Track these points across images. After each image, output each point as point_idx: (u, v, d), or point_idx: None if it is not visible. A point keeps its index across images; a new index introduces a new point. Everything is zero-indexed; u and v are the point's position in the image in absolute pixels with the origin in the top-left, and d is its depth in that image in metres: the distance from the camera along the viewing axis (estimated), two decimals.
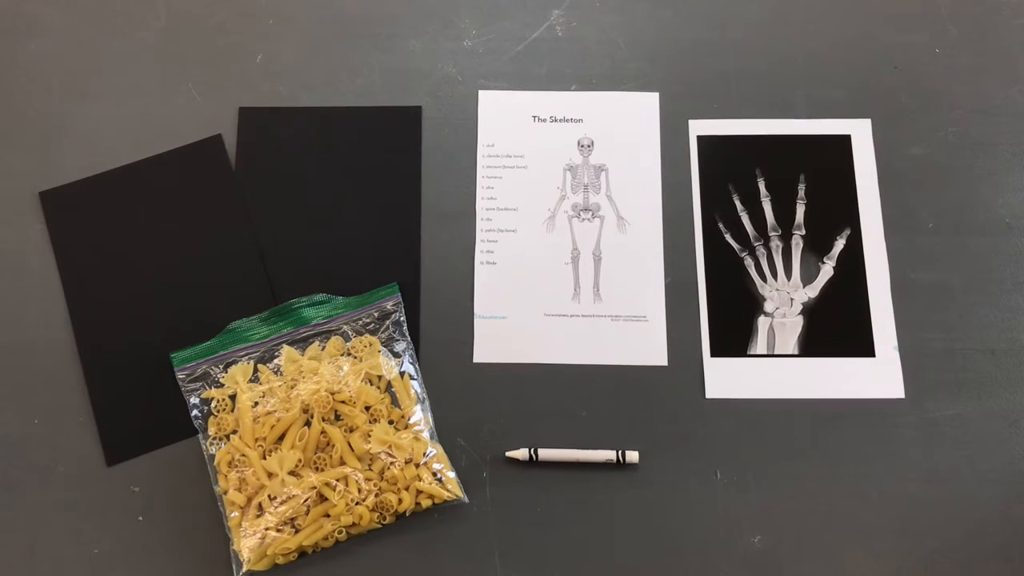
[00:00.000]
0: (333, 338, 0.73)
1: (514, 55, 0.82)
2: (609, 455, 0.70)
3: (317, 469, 0.68)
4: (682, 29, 0.82)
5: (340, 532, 0.67)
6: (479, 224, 0.77)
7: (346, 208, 0.77)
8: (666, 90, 0.80)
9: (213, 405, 0.71)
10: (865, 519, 0.69)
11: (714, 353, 0.74)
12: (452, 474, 0.70)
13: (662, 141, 0.79)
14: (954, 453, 0.71)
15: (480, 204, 0.78)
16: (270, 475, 0.68)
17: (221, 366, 0.72)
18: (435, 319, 0.75)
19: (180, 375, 0.71)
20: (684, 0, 0.83)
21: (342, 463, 0.69)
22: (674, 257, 0.76)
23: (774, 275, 0.76)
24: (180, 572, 0.69)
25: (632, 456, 0.70)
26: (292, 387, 0.70)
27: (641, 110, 0.80)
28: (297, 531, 0.67)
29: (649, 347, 0.74)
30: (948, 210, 0.77)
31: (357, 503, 0.67)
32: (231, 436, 0.69)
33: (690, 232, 0.77)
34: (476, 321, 0.75)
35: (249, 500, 0.68)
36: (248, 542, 0.67)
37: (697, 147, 0.79)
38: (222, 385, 0.71)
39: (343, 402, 0.70)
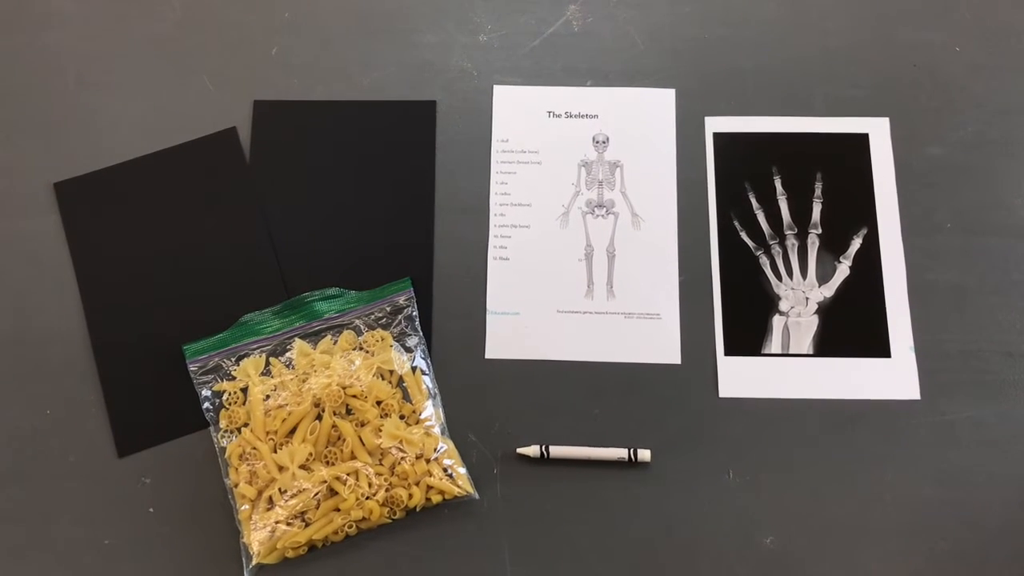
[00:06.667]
0: (345, 332, 0.72)
1: (529, 50, 0.81)
2: (621, 453, 0.70)
3: (328, 463, 0.68)
4: (699, 25, 0.82)
5: (350, 526, 0.67)
6: (492, 219, 0.77)
7: (359, 202, 0.77)
8: (682, 86, 0.80)
9: (225, 398, 0.70)
10: (879, 521, 0.69)
11: (728, 352, 0.73)
12: (463, 470, 0.69)
13: (678, 138, 0.79)
14: (969, 455, 0.70)
15: (494, 199, 0.77)
16: (281, 468, 0.68)
17: (233, 359, 0.72)
18: (447, 314, 0.74)
19: (192, 367, 0.71)
20: None
21: (353, 457, 0.68)
22: (689, 255, 0.76)
23: (789, 274, 0.75)
24: (190, 564, 0.69)
25: (644, 455, 0.70)
26: (304, 381, 0.70)
27: (657, 106, 0.79)
28: (307, 525, 0.67)
29: (662, 345, 0.73)
30: (966, 210, 0.76)
31: (367, 498, 0.67)
32: (242, 429, 0.69)
33: (705, 230, 0.76)
34: (488, 317, 0.74)
35: (259, 493, 0.68)
36: (258, 535, 0.67)
37: (713, 144, 0.78)
38: (234, 378, 0.71)
39: (354, 396, 0.70)
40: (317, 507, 0.67)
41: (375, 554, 0.69)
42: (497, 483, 0.70)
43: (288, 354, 0.72)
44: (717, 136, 0.78)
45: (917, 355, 0.73)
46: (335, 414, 0.69)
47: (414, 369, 0.72)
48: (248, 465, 0.68)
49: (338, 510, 0.67)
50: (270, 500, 0.68)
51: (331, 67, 0.81)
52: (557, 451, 0.70)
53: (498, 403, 0.72)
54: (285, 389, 0.70)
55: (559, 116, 0.80)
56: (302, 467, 0.68)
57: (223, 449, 0.70)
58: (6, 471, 0.71)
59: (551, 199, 0.78)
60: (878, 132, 0.78)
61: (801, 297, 0.74)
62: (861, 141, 0.78)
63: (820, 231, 0.76)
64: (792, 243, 0.76)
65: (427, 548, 0.69)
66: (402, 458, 0.68)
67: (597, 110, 0.80)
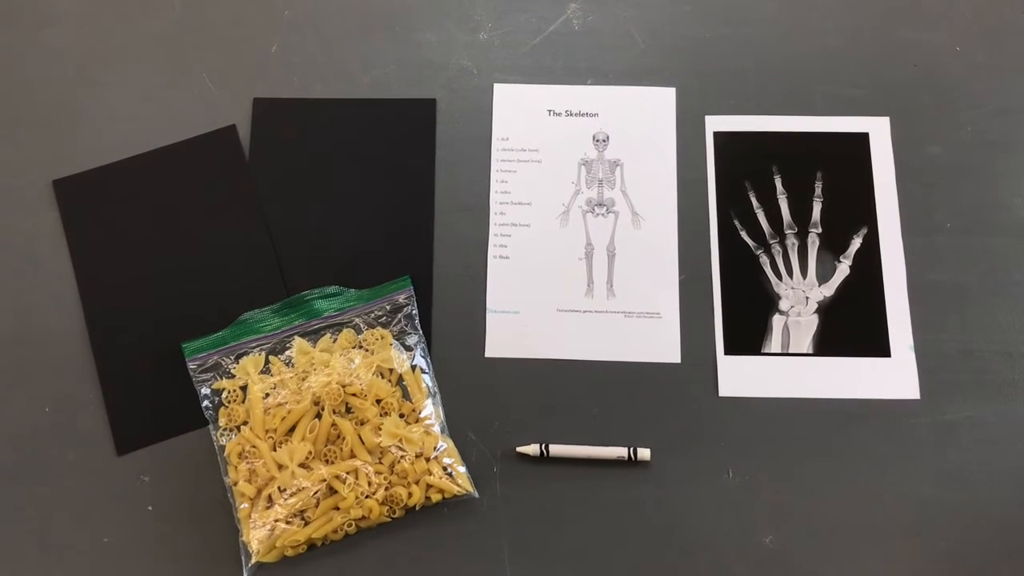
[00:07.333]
0: (345, 331, 0.72)
1: (530, 48, 0.81)
2: (621, 452, 0.70)
3: (327, 462, 0.68)
4: (700, 24, 0.82)
5: (349, 525, 0.67)
6: (492, 218, 0.77)
7: (359, 200, 0.77)
8: (683, 85, 0.80)
9: (224, 396, 0.70)
10: (878, 520, 0.69)
11: (728, 351, 0.73)
12: (462, 469, 0.69)
13: (678, 137, 0.79)
14: (969, 455, 0.70)
15: (494, 198, 0.77)
16: (280, 467, 0.68)
17: (232, 357, 0.71)
18: (447, 313, 0.74)
19: (191, 365, 0.71)
20: None
21: (352, 456, 0.68)
22: (689, 254, 0.76)
23: (789, 273, 0.75)
24: (189, 563, 0.69)
25: (644, 454, 0.70)
26: (303, 379, 0.70)
27: (657, 105, 0.79)
28: (306, 523, 0.67)
29: (662, 344, 0.73)
30: (966, 210, 0.76)
31: (367, 496, 0.67)
32: (241, 427, 0.69)
33: (705, 229, 0.76)
34: (488, 315, 0.74)
35: (259, 492, 0.68)
36: (257, 534, 0.67)
37: (713, 143, 0.78)
38: (233, 376, 0.71)
39: (354, 395, 0.69)
40: (316, 506, 0.67)
41: (374, 553, 0.69)
42: (497, 482, 0.70)
43: (288, 352, 0.72)
44: (717, 135, 0.78)
45: (917, 355, 0.73)
46: (335, 412, 0.69)
47: (414, 367, 0.72)
48: (247, 463, 0.68)
49: (337, 509, 0.67)
50: (269, 499, 0.67)
51: (331, 65, 0.81)
52: (557, 450, 0.70)
53: (498, 402, 0.72)
54: (284, 387, 0.70)
55: (559, 115, 0.79)
56: (301, 465, 0.68)
57: (222, 447, 0.69)
58: (5, 469, 0.71)
59: (551, 198, 0.77)
60: (878, 132, 0.78)
61: (801, 296, 0.74)
62: (861, 140, 0.78)
63: (820, 230, 0.76)
64: (792, 242, 0.76)
65: (427, 547, 0.69)
66: (402, 457, 0.68)
67: (597, 109, 0.79)
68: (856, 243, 0.75)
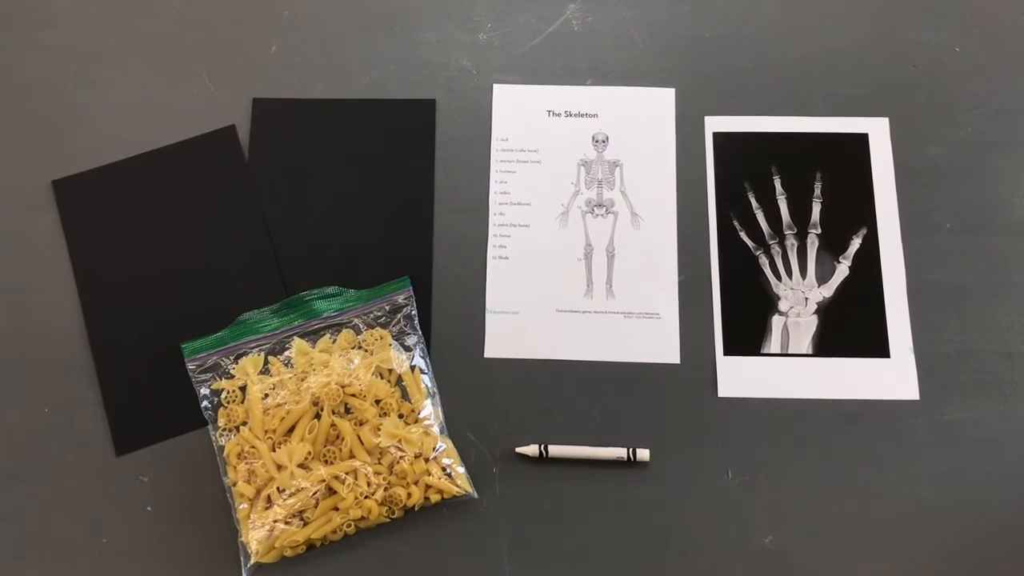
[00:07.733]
0: (344, 331, 0.72)
1: (529, 49, 0.81)
2: (620, 453, 0.70)
3: (326, 462, 0.68)
4: (699, 25, 0.82)
5: (349, 526, 0.67)
6: (492, 219, 0.77)
7: (359, 200, 0.77)
8: (682, 86, 0.80)
9: (223, 396, 0.70)
10: (878, 521, 0.69)
11: (727, 352, 0.73)
12: (461, 469, 0.69)
13: (677, 137, 0.79)
14: (968, 456, 0.70)
15: (493, 199, 0.77)
16: (279, 467, 0.68)
17: (232, 357, 0.71)
18: (446, 313, 0.74)
19: (190, 366, 0.71)
20: None
21: (351, 456, 0.68)
22: (688, 254, 0.76)
23: (789, 274, 0.75)
24: (188, 563, 0.69)
25: (643, 454, 0.70)
26: (302, 379, 0.70)
27: (657, 106, 0.79)
28: (306, 524, 0.67)
29: (661, 345, 0.73)
30: (965, 210, 0.76)
31: (366, 497, 0.67)
32: (241, 428, 0.69)
33: (704, 229, 0.76)
34: (488, 316, 0.74)
35: (258, 492, 0.68)
36: (256, 534, 0.67)
37: (713, 144, 0.78)
38: (232, 376, 0.71)
39: (353, 395, 0.69)
40: (315, 506, 0.67)
41: (373, 553, 0.69)
42: (496, 482, 0.70)
43: (287, 353, 0.72)
44: (717, 135, 0.78)
45: (916, 355, 0.73)
46: (334, 413, 0.69)
47: (413, 368, 0.72)
48: (246, 464, 0.68)
49: (337, 509, 0.67)
50: (268, 499, 0.67)
51: (330, 65, 0.81)
52: (556, 450, 0.70)
53: (497, 402, 0.72)
54: (284, 388, 0.70)
55: (559, 115, 0.79)
56: (301, 466, 0.68)
57: (221, 448, 0.69)
58: (4, 470, 0.71)
59: (550, 198, 0.77)
60: (878, 132, 0.78)
61: (800, 297, 0.74)
62: (861, 141, 0.78)
63: (819, 231, 0.76)
64: (791, 243, 0.76)
65: (425, 547, 0.69)
66: (401, 457, 0.68)
67: (597, 109, 0.79)
68: (855, 244, 0.75)
